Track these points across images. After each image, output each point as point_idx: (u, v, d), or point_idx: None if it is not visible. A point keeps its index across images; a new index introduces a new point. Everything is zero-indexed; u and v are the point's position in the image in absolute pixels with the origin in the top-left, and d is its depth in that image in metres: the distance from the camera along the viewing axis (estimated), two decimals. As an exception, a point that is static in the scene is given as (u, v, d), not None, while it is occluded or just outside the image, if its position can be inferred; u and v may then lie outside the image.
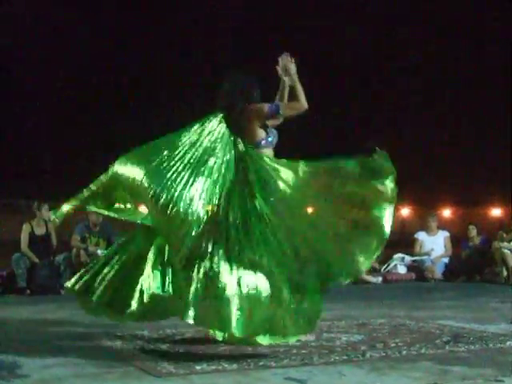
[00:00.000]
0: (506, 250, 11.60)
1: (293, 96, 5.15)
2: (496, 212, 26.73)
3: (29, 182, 24.62)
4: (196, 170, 4.77)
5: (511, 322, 6.37)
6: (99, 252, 9.99)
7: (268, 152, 5.04)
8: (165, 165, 4.78)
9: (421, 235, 12.94)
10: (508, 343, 5.10)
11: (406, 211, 27.77)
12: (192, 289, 4.40)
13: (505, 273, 11.70)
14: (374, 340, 5.19)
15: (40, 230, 10.23)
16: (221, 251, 4.55)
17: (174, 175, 4.71)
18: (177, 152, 4.84)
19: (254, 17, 26.35)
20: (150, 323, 6.14)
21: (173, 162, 4.78)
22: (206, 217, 4.69)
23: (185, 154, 4.83)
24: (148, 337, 5.38)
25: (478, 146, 27.58)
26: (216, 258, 4.51)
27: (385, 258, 12.10)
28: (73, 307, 6.09)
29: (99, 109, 27.09)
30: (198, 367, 4.22)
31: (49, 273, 10.01)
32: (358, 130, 28.02)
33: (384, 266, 12.33)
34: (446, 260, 12.83)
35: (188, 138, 4.91)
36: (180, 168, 4.75)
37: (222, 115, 5.06)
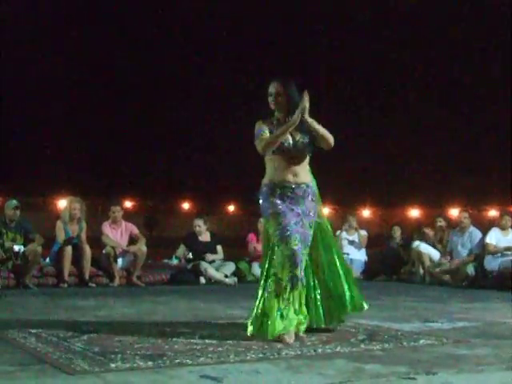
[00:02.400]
0: (422, 250, 11.82)
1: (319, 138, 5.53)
2: (414, 213, 27.20)
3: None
4: None
5: (425, 321, 6.49)
6: (16, 248, 9.84)
7: None
8: None
9: (343, 234, 13.12)
10: (422, 341, 5.19)
11: (326, 211, 28.10)
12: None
13: (421, 271, 11.92)
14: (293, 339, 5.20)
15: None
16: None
17: None
18: None
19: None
20: (65, 320, 6.07)
21: None
22: None
23: None
24: (63, 334, 5.29)
25: (399, 149, 28.01)
26: None
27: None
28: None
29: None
30: (112, 365, 4.17)
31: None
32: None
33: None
34: (365, 259, 13.02)
35: None
36: None
37: None
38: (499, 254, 11.03)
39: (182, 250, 11.75)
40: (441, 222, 12.38)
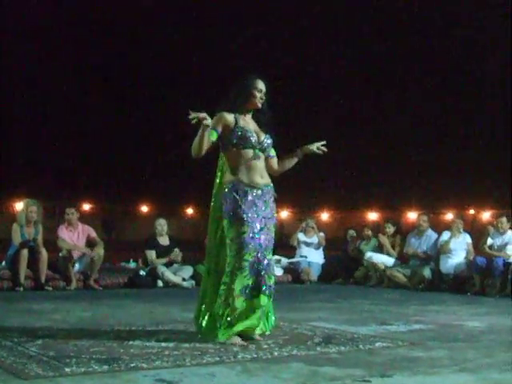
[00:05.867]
0: (375, 260, 11.89)
1: (284, 163, 5.77)
2: (372, 216, 27.36)
3: None
4: None
5: (382, 324, 6.54)
6: None
7: None
8: None
9: (300, 236, 13.16)
10: (377, 344, 5.22)
11: (285, 214, 28.06)
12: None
13: (377, 274, 11.99)
14: (247, 341, 5.21)
15: None
16: None
17: None
18: None
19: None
20: (20, 324, 6.01)
21: None
22: None
23: None
24: (18, 339, 5.24)
25: (358, 152, 28.16)
26: None
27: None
28: None
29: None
30: (67, 369, 4.13)
31: None
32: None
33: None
34: (323, 262, 13.07)
35: None
36: None
37: None
38: (452, 257, 11.16)
39: (150, 255, 11.56)
40: (389, 228, 12.41)
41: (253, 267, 5.21)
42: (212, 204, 5.59)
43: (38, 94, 24.95)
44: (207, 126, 5.17)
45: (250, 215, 5.28)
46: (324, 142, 5.78)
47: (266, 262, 5.29)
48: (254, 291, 5.22)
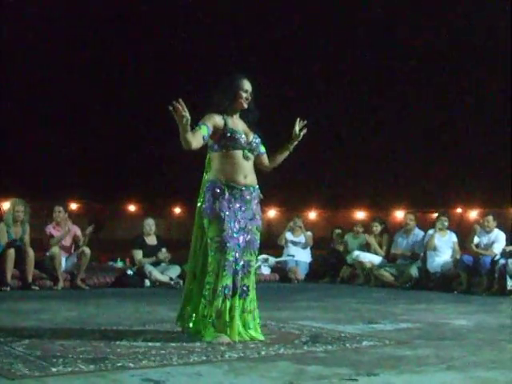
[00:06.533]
0: (362, 259, 11.93)
1: (276, 158, 5.83)
2: (360, 215, 27.37)
3: None
4: None
5: (369, 323, 6.55)
6: None
7: None
8: None
9: (288, 235, 13.18)
10: (364, 343, 5.23)
11: (272, 213, 28.02)
12: None
13: (364, 273, 12.02)
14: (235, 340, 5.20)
15: None
16: None
17: None
18: None
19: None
20: (7, 324, 5.99)
21: None
22: None
23: None
24: (4, 339, 5.22)
25: (346, 151, 28.16)
26: None
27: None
28: None
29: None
30: (53, 369, 4.12)
31: None
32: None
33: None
34: (310, 261, 13.10)
35: None
36: None
37: None
38: (438, 255, 11.21)
39: (138, 255, 11.54)
40: (376, 227, 12.45)
41: (231, 267, 5.22)
42: (198, 205, 5.58)
43: (23, 92, 24.83)
44: (181, 118, 4.99)
45: (227, 213, 5.27)
46: (303, 122, 5.77)
47: (242, 262, 5.31)
48: (232, 291, 5.25)
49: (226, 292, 5.20)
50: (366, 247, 12.26)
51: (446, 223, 11.46)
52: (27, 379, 3.90)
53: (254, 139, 5.53)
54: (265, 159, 5.74)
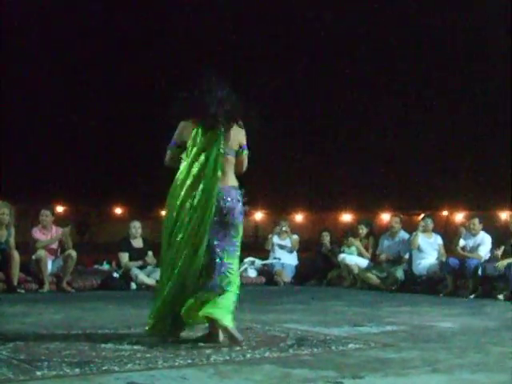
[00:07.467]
0: (348, 262, 11.93)
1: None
2: (346, 217, 27.45)
3: None
4: None
5: (355, 325, 6.56)
6: None
7: None
8: None
9: (274, 239, 13.18)
10: (350, 346, 5.24)
11: (259, 215, 28.09)
12: None
13: (351, 276, 12.03)
14: (220, 344, 5.20)
15: None
16: None
17: None
18: None
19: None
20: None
21: None
22: None
23: None
24: (-12, 342, 5.20)
25: (332, 153, 28.22)
26: None
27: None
28: None
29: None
30: (38, 373, 4.10)
31: None
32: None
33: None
34: (296, 263, 13.09)
35: None
36: None
37: None
38: (424, 258, 11.23)
39: (124, 258, 11.49)
40: (362, 230, 12.46)
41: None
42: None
43: (6, 95, 24.76)
44: None
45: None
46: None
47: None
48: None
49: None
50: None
51: (431, 224, 11.48)
52: (11, 383, 3.88)
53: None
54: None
